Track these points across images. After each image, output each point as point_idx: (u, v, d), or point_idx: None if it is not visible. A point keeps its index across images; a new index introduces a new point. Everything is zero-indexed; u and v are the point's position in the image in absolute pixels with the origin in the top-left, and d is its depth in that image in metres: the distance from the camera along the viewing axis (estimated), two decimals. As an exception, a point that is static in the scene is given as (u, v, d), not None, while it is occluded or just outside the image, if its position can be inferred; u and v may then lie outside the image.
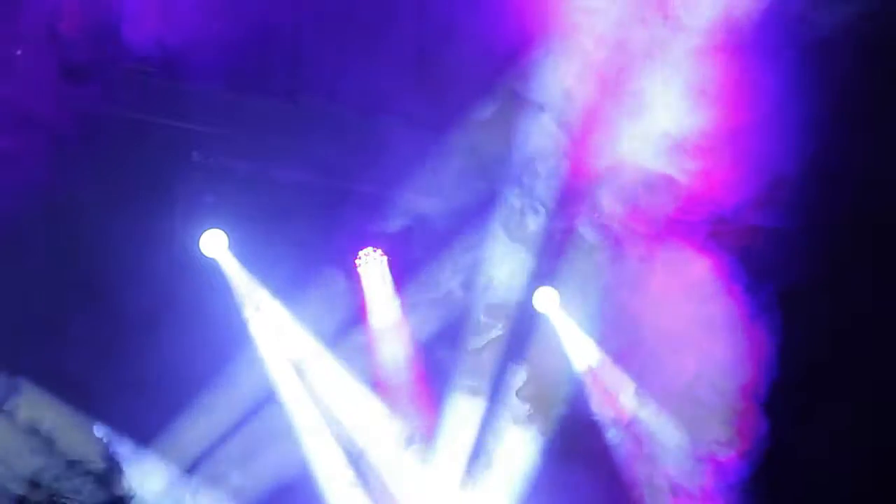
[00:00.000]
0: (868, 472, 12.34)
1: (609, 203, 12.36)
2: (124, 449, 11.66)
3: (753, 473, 12.54)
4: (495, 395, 13.00)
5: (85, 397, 11.45)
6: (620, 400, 13.09)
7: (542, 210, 12.66)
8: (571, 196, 12.55)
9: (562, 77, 11.76)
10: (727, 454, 12.65)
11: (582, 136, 12.00)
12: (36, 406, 11.22)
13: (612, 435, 13.05)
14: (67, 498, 11.08)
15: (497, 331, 12.97)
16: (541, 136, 12.22)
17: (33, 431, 11.16)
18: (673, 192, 12.16)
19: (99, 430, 11.51)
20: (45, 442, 11.17)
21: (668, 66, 11.69)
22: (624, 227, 12.45)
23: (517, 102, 11.95)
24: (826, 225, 11.90)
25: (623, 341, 12.77)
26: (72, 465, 11.27)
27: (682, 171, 12.09)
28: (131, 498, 11.44)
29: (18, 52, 11.44)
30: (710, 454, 12.70)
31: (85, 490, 11.25)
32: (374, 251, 12.67)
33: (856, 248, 12.11)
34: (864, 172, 11.82)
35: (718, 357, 12.41)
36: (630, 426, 13.03)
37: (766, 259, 12.18)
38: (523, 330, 13.06)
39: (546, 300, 13.03)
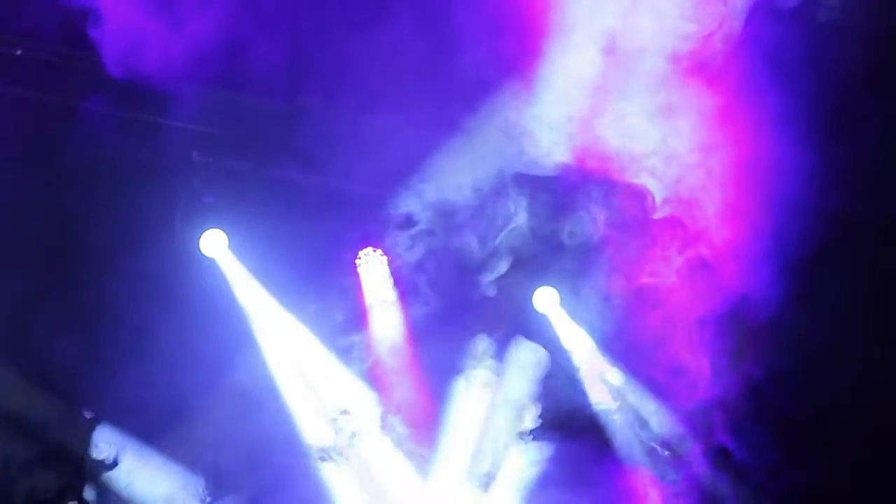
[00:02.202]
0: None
1: (595, 206, 12.46)
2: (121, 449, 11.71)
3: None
4: (495, 390, 13.03)
5: (84, 399, 11.48)
6: (608, 389, 13.22)
7: (540, 209, 12.70)
8: (568, 196, 12.62)
9: (559, 79, 11.81)
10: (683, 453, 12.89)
11: (577, 138, 12.05)
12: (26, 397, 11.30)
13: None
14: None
15: (497, 327, 13.00)
16: (539, 136, 12.23)
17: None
18: (647, 203, 12.33)
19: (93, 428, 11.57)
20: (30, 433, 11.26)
21: (656, 85, 11.82)
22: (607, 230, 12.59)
23: (516, 103, 11.97)
24: (794, 244, 12.02)
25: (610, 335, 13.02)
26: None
27: (657, 183, 12.21)
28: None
29: (18, 53, 11.46)
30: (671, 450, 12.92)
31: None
32: (374, 251, 12.66)
33: (823, 271, 12.21)
34: (830, 195, 11.97)
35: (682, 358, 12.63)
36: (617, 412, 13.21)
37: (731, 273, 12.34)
38: (523, 326, 13.09)
39: (546, 300, 13.07)
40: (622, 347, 13.04)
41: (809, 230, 11.97)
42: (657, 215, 12.43)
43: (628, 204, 12.49)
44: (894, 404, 12.46)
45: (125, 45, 11.19)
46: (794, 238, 12.00)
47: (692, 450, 12.99)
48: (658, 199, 12.38)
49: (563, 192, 12.58)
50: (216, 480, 11.96)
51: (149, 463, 11.78)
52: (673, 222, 12.46)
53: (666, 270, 12.54)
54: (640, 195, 12.42)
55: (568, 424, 13.04)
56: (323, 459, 12.46)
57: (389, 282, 12.75)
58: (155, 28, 11.25)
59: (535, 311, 13.14)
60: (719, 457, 12.89)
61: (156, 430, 11.84)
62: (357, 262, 12.70)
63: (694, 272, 12.47)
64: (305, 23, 11.87)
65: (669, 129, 12.04)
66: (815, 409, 12.52)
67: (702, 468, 12.97)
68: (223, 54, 11.47)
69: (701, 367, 12.62)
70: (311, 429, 12.48)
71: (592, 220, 12.64)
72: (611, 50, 11.75)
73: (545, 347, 13.13)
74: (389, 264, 12.71)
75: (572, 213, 12.66)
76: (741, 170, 12.07)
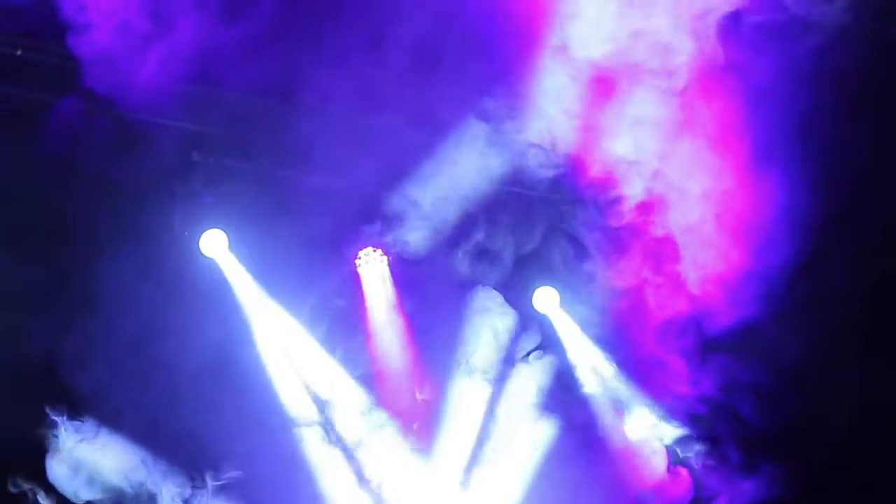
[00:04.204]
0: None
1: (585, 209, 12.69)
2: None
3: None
4: (496, 390, 13.08)
5: (84, 399, 11.49)
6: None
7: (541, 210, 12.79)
8: (567, 198, 12.71)
9: (556, 80, 11.89)
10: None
11: (574, 141, 12.12)
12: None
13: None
14: None
15: (498, 328, 13.06)
16: (540, 137, 12.29)
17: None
18: (622, 209, 12.49)
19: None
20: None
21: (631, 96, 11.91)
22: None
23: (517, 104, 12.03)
24: (770, 257, 12.18)
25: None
26: None
27: (629, 191, 12.39)
28: None
29: (18, 53, 11.44)
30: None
31: None
32: (374, 251, 12.67)
33: (801, 285, 12.35)
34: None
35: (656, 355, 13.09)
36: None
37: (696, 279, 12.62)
38: (524, 326, 13.14)
39: (546, 300, 13.15)
40: (606, 341, 13.27)
41: (786, 244, 12.11)
42: (627, 222, 12.51)
43: (604, 210, 12.59)
44: (863, 424, 12.59)
45: (111, 62, 11.17)
46: (770, 251, 12.15)
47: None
48: (629, 207, 12.48)
49: (547, 196, 12.70)
50: (217, 481, 11.97)
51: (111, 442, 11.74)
52: (641, 228, 12.54)
53: (635, 273, 12.64)
54: (614, 202, 12.50)
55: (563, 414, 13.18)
56: (323, 457, 12.49)
57: (389, 280, 12.75)
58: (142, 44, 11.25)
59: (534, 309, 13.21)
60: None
61: (153, 426, 11.82)
62: (357, 261, 12.70)
63: (659, 276, 12.60)
64: (305, 22, 11.85)
65: (644, 139, 12.12)
66: (781, 425, 12.75)
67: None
68: (225, 54, 11.46)
69: (674, 364, 12.78)
70: (311, 423, 12.48)
71: (572, 225, 12.80)
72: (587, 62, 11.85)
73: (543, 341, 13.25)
74: (389, 263, 12.72)
75: (555, 217, 12.79)
76: (716, 181, 12.22)
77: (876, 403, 12.43)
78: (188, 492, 11.85)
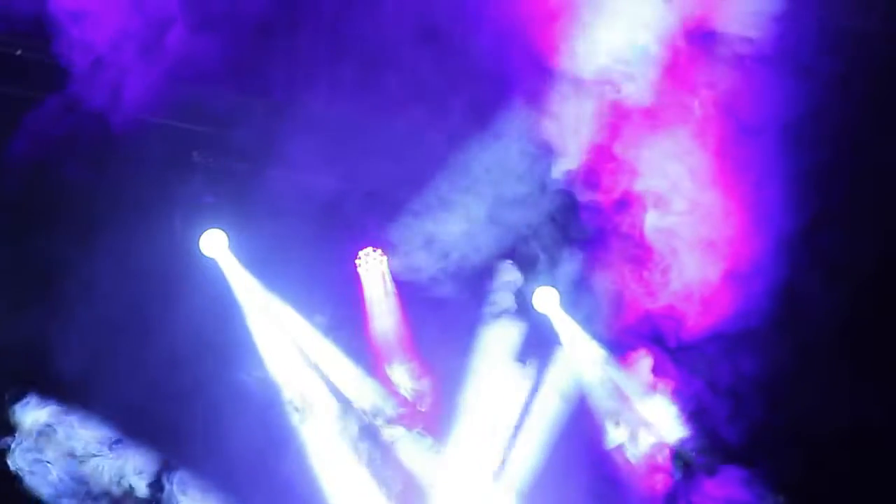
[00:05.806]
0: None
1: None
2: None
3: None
4: (496, 391, 13.10)
5: (85, 399, 11.49)
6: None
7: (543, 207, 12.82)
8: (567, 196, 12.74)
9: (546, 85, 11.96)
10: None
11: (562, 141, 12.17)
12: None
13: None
14: None
15: (498, 329, 13.07)
16: (540, 136, 12.31)
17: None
18: (606, 211, 12.67)
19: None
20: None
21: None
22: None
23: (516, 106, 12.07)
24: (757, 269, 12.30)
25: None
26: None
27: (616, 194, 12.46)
28: None
29: (18, 52, 11.45)
30: None
31: None
32: (374, 251, 12.68)
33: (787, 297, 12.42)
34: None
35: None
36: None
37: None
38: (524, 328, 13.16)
39: (546, 300, 13.16)
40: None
41: (767, 256, 12.19)
42: (611, 223, 12.64)
43: (588, 210, 12.66)
44: (838, 437, 12.63)
45: (107, 65, 11.18)
46: (750, 262, 12.24)
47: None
48: (613, 208, 12.55)
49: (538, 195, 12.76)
50: (217, 480, 11.98)
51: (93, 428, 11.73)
52: (623, 231, 12.66)
53: (616, 273, 12.74)
54: (598, 202, 12.55)
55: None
56: (325, 455, 12.51)
57: (389, 281, 12.77)
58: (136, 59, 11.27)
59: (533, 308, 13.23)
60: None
61: (154, 429, 11.83)
62: (357, 261, 12.72)
63: (638, 278, 12.66)
64: (305, 23, 11.86)
65: (629, 143, 12.21)
66: (752, 433, 12.84)
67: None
68: (224, 54, 11.46)
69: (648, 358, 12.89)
70: (313, 428, 12.49)
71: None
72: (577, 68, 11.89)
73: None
74: (389, 264, 12.73)
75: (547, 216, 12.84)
76: (701, 191, 12.30)
77: (852, 417, 12.47)
78: (169, 478, 11.87)
